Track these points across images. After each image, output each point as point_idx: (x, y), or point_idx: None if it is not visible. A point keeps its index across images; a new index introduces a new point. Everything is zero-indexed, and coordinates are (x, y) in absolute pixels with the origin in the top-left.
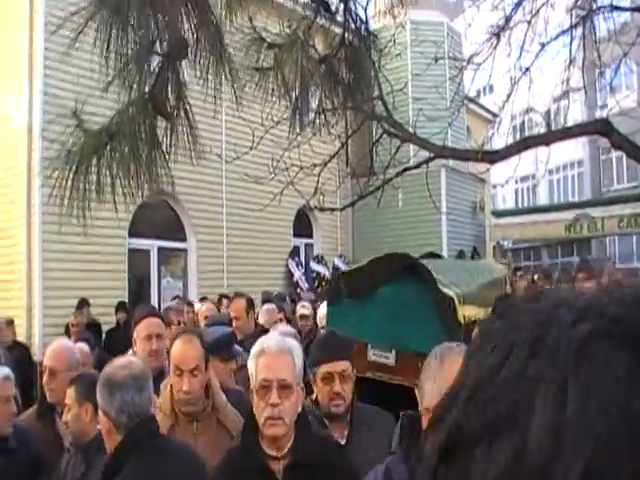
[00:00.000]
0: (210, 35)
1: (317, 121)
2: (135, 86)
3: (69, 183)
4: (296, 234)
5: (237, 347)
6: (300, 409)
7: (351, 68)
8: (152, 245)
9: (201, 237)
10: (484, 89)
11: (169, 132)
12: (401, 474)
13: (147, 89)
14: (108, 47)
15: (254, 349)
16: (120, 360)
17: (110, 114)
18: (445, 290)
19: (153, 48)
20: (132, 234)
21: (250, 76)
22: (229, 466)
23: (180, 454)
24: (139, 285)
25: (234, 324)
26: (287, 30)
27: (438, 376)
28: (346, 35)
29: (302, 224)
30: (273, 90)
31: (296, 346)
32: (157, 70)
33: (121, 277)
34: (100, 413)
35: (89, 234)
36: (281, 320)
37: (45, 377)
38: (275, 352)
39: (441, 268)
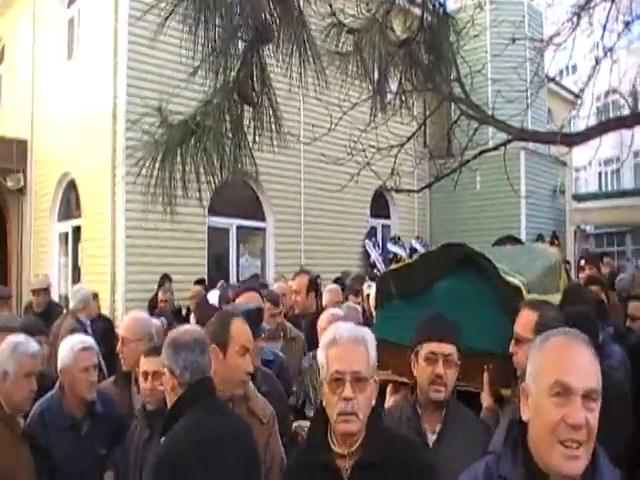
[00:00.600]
0: (293, 20)
1: (395, 102)
2: (220, 72)
3: (155, 170)
4: (373, 215)
5: (264, 325)
6: (373, 403)
7: (430, 51)
8: (231, 224)
9: (279, 217)
10: (566, 69)
11: (253, 119)
12: (508, 472)
13: (232, 76)
14: (194, 34)
15: (325, 338)
16: (183, 326)
17: (193, 103)
18: (509, 279)
19: (238, 34)
20: (212, 212)
21: (330, 60)
22: (297, 461)
23: (231, 414)
24: (218, 263)
25: (294, 298)
26: (366, 13)
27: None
28: (424, 17)
29: (379, 205)
30: (353, 73)
31: (370, 335)
32: (241, 56)
33: (201, 254)
34: (166, 371)
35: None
36: (342, 302)
37: (118, 345)
38: (348, 342)
39: (500, 256)
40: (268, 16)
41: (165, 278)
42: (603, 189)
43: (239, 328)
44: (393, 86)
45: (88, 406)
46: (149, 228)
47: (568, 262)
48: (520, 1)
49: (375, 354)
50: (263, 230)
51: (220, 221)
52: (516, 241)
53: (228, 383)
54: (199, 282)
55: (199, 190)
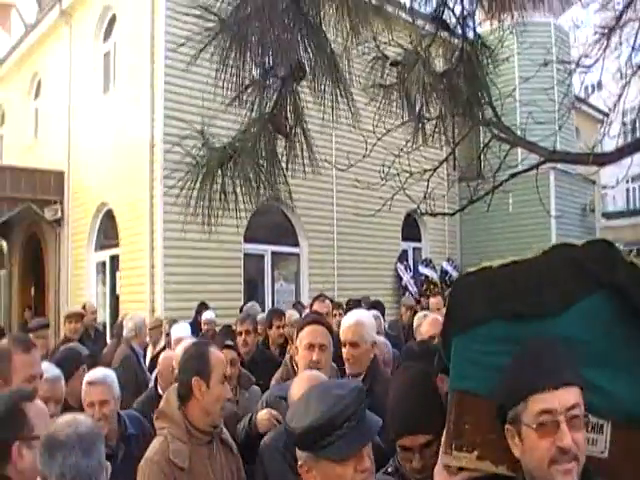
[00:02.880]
0: (325, 58)
1: (433, 129)
2: (256, 107)
3: (194, 191)
4: (404, 238)
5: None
6: None
7: (469, 81)
8: (266, 250)
9: (313, 242)
10: (592, 86)
11: (287, 150)
12: None
13: (267, 110)
14: (226, 70)
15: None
16: (65, 417)
17: (228, 132)
18: None
19: (272, 72)
20: (247, 239)
21: (374, 92)
22: None
23: None
24: (254, 289)
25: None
26: (408, 46)
27: None
28: (464, 49)
29: (410, 228)
30: (397, 105)
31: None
32: (276, 92)
33: (237, 281)
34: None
35: (207, 240)
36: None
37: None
38: None
39: None
40: (302, 52)
41: (202, 306)
42: (631, 206)
43: (218, 357)
44: (430, 114)
45: (119, 431)
46: (186, 256)
47: None
48: (546, 22)
49: None
50: (297, 255)
51: (255, 247)
52: None
53: (211, 414)
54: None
55: (236, 216)
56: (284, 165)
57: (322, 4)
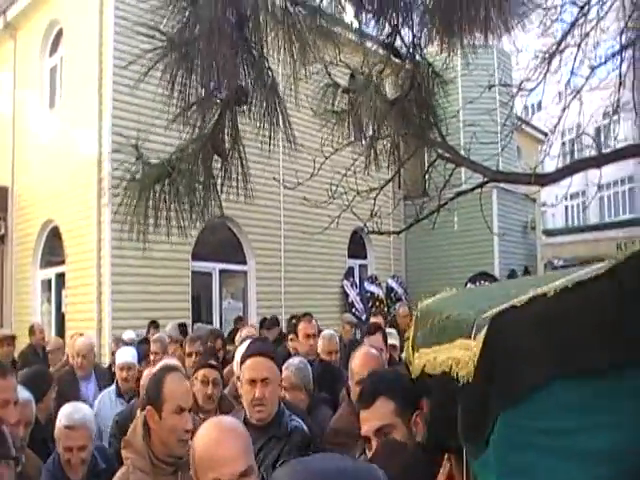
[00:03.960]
0: (266, 86)
1: (381, 150)
2: (197, 127)
3: (131, 209)
4: (350, 255)
5: None
6: None
7: (420, 107)
8: (214, 267)
9: (260, 259)
10: (532, 107)
11: (222, 169)
12: None
13: (207, 130)
14: (172, 88)
15: None
16: None
17: (170, 148)
18: None
19: (214, 94)
20: (195, 257)
21: (325, 118)
22: None
23: None
24: (202, 306)
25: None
26: (361, 70)
27: None
28: (415, 77)
29: (356, 245)
30: (348, 131)
31: None
32: (217, 114)
33: (185, 299)
34: None
35: (155, 257)
36: None
37: None
38: None
39: None
40: (243, 78)
41: (152, 324)
42: (570, 223)
43: (175, 386)
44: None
45: (90, 467)
46: (134, 274)
47: None
48: (490, 45)
49: None
50: (245, 273)
51: (203, 265)
52: (490, 277)
53: (167, 445)
54: (180, 326)
55: (183, 234)
56: (219, 185)
57: (266, 30)
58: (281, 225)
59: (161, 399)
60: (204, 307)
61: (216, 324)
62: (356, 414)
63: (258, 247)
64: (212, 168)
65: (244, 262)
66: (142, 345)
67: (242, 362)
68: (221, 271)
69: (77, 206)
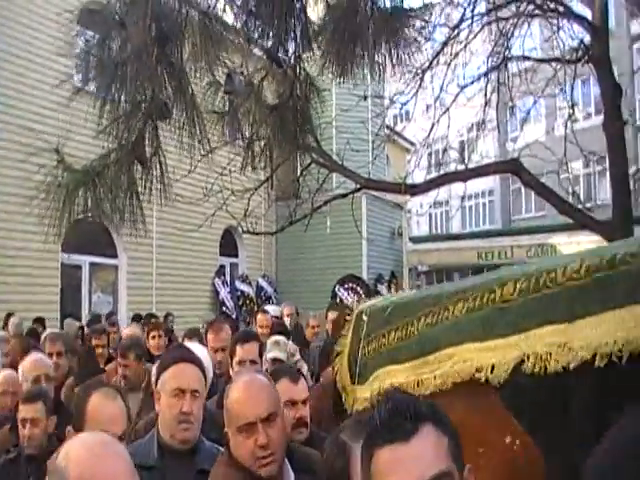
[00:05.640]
0: (185, 101)
1: (257, 152)
2: (123, 138)
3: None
4: (222, 253)
5: None
6: None
7: (297, 115)
8: (84, 260)
9: (132, 254)
10: (401, 116)
11: (144, 177)
12: None
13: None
14: (103, 104)
15: None
16: None
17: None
18: None
19: (139, 108)
20: (65, 249)
21: (207, 117)
22: None
23: None
24: (70, 299)
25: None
26: (242, 78)
27: None
28: (295, 86)
29: (228, 244)
30: (228, 132)
31: None
32: (140, 126)
33: (53, 291)
34: None
35: (26, 248)
36: None
37: None
38: None
39: None
40: (164, 93)
41: (8, 317)
42: (433, 230)
43: (96, 408)
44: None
45: None
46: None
47: None
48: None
49: None
50: (115, 267)
51: (73, 257)
52: (358, 280)
53: None
54: (37, 320)
55: (53, 225)
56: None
57: (182, 44)
58: (153, 220)
59: (81, 422)
60: (73, 300)
61: (85, 318)
62: None
63: (130, 241)
64: (134, 174)
65: (115, 256)
66: None
67: (163, 369)
68: (91, 264)
69: None
